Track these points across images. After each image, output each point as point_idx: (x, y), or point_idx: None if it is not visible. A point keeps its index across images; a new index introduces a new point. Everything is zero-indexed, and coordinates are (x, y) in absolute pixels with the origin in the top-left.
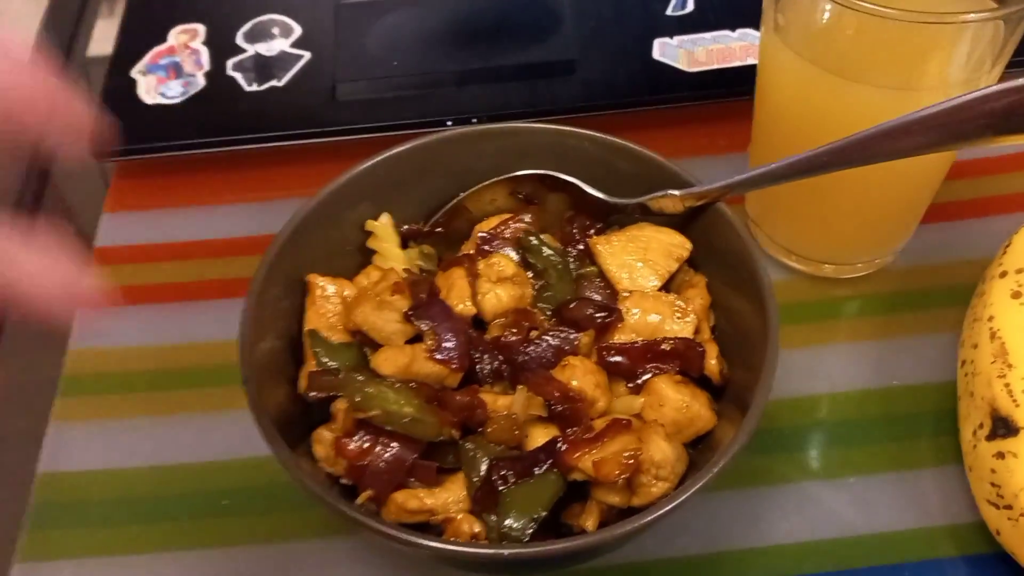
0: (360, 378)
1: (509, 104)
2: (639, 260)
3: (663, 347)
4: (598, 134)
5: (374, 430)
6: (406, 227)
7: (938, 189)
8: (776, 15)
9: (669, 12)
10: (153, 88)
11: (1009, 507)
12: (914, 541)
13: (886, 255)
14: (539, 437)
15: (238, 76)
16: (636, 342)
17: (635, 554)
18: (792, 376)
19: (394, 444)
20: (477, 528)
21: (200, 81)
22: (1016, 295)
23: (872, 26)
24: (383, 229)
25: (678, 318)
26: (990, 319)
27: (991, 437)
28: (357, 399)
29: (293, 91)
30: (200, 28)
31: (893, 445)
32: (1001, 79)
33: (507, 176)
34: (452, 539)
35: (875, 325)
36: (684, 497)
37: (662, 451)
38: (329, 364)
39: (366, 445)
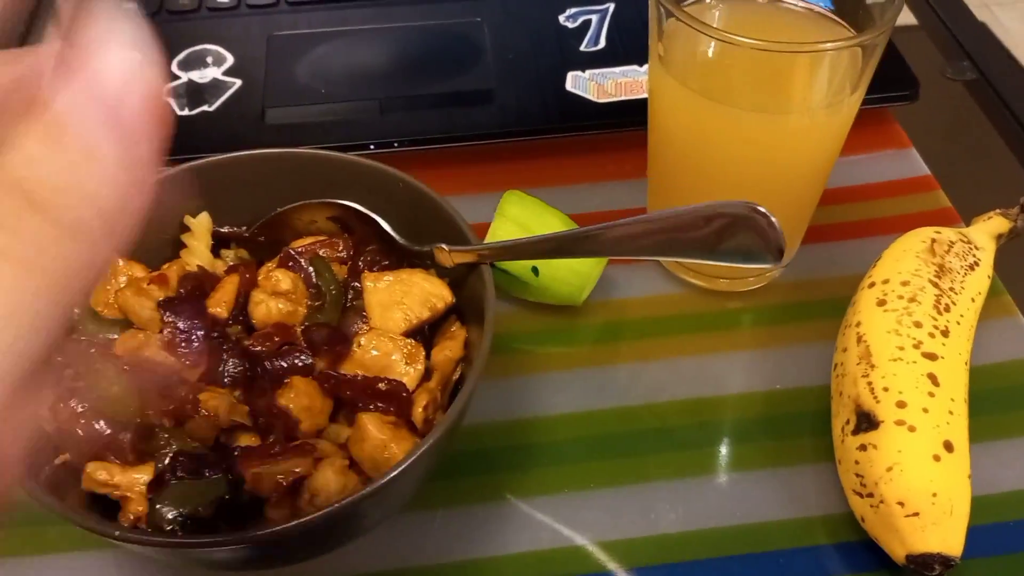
0: (93, 351)
1: (428, 130)
2: (396, 303)
3: (379, 386)
4: (410, 179)
5: (89, 400)
6: (227, 228)
7: (821, 210)
8: (659, 46)
9: (582, 48)
10: None
11: (871, 495)
12: (790, 530)
13: (774, 269)
14: (242, 443)
15: (171, 101)
16: (357, 376)
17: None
18: (685, 381)
19: (99, 418)
20: (143, 510)
21: None
22: (881, 303)
23: (740, 55)
24: (198, 226)
25: (406, 364)
26: (858, 324)
27: (856, 431)
28: (80, 368)
29: (223, 115)
30: None
31: (774, 443)
32: (863, 104)
33: (317, 201)
34: (117, 520)
35: (763, 334)
36: (316, 516)
37: (327, 481)
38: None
39: (78, 411)
